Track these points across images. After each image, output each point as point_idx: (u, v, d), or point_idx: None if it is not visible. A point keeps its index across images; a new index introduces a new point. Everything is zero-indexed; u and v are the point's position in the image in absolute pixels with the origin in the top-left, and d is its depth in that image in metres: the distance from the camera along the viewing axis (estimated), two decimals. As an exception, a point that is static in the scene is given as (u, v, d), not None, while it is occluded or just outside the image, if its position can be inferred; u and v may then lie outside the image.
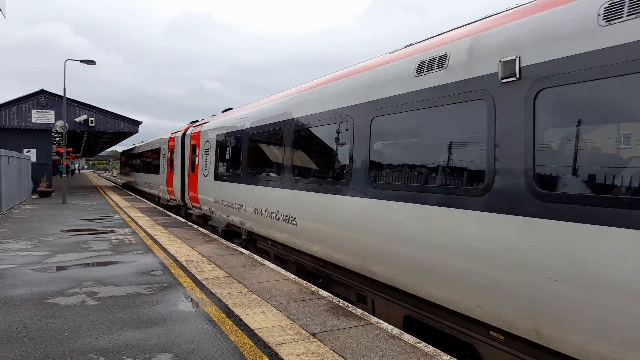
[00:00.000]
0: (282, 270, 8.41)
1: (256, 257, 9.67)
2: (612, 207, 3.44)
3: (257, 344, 4.93)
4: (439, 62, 5.21)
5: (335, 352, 4.68)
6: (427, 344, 4.93)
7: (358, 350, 4.74)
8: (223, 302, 6.40)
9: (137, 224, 14.88)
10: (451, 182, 4.96)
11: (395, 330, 5.32)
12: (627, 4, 3.43)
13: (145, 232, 13.18)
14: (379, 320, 5.70)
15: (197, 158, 15.75)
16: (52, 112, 28.57)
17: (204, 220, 15.98)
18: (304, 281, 7.66)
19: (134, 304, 6.33)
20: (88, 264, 8.90)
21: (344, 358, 4.55)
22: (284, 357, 4.56)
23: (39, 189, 26.83)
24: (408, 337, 5.10)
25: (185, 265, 8.73)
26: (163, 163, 22.12)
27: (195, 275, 7.99)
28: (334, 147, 7.42)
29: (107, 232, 13.09)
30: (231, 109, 14.51)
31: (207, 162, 14.38)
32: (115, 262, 9.05)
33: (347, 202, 6.65)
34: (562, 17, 3.95)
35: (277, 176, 9.17)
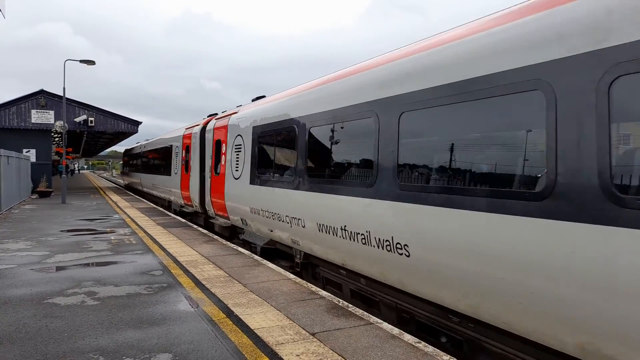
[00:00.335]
0: (281, 270, 8.41)
1: (256, 257, 9.67)
2: None
3: (257, 343, 4.93)
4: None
5: (335, 352, 4.68)
6: (427, 344, 4.93)
7: (358, 350, 4.74)
8: (223, 302, 6.40)
9: (137, 224, 14.87)
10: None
11: (395, 330, 5.32)
12: None
13: (145, 232, 13.17)
14: (379, 320, 5.70)
15: (223, 157, 13.02)
16: (52, 112, 28.56)
17: (231, 233, 13.18)
18: (304, 281, 7.66)
19: (133, 304, 6.33)
20: (88, 264, 8.90)
21: (343, 358, 4.55)
22: (283, 357, 4.56)
23: (38, 189, 26.82)
24: (408, 337, 5.10)
25: (184, 265, 8.73)
26: (176, 163, 19.39)
27: (195, 275, 7.99)
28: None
29: (106, 232, 13.08)
30: (264, 96, 12.08)
31: (238, 161, 11.65)
32: (115, 262, 9.04)
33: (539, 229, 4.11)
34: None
35: (367, 182, 6.31)
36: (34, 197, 26.44)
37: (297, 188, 8.36)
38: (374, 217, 6.13)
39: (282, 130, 9.36)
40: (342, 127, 7.24)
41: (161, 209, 20.79)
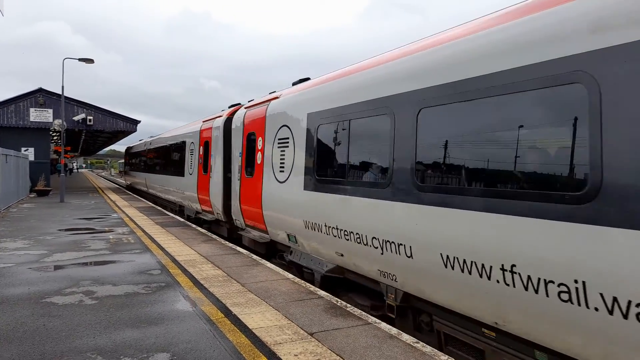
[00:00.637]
0: (280, 270, 8.40)
1: (254, 256, 9.67)
2: None
3: (255, 343, 4.93)
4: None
5: (334, 352, 4.68)
6: (425, 344, 4.93)
7: (356, 350, 4.73)
8: (221, 302, 6.40)
9: (135, 223, 14.85)
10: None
11: (394, 330, 5.32)
12: None
13: (144, 231, 13.15)
14: (377, 320, 5.70)
15: (258, 154, 10.29)
16: (50, 110, 28.52)
17: (268, 250, 10.25)
18: (302, 281, 7.66)
19: (131, 304, 6.32)
20: (86, 263, 8.89)
21: (342, 358, 4.55)
22: (281, 357, 4.56)
23: (36, 188, 26.78)
24: (406, 337, 5.10)
25: (183, 265, 8.72)
26: (191, 161, 16.69)
27: (194, 274, 7.98)
28: None
29: (105, 231, 13.07)
30: (307, 79, 9.74)
31: (284, 159, 8.97)
32: (113, 262, 9.03)
33: None
34: None
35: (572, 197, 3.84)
36: (32, 195, 26.40)
37: (397, 198, 5.75)
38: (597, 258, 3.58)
39: (366, 116, 6.55)
40: (485, 111, 4.71)
41: (159, 208, 20.71)
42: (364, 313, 6.00)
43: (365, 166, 6.77)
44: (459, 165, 5.07)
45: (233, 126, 12.49)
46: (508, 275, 4.25)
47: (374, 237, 6.16)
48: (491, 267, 4.42)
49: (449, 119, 5.17)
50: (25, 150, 27.85)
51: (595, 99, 3.58)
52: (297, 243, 8.62)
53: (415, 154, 5.52)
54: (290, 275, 7.98)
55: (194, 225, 14.68)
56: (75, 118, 29.30)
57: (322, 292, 6.94)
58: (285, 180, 8.87)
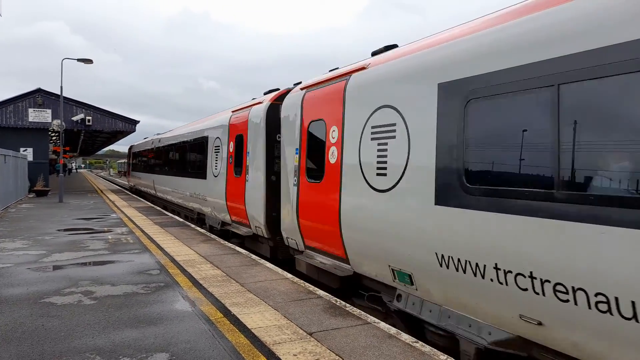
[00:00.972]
0: (279, 270, 8.40)
1: (253, 256, 9.66)
2: None
3: (254, 343, 4.93)
4: None
5: (333, 352, 4.67)
6: (424, 344, 4.93)
7: (355, 350, 4.73)
8: (220, 302, 6.39)
9: (134, 223, 14.84)
10: None
11: (393, 330, 5.32)
12: None
13: (142, 231, 13.15)
14: (376, 320, 5.70)
15: (332, 150, 7.48)
16: (49, 110, 28.49)
17: (343, 284, 7.35)
18: (301, 280, 7.65)
19: (130, 304, 6.32)
20: (85, 263, 8.88)
21: (341, 358, 4.55)
22: (281, 357, 4.56)
23: (35, 188, 26.75)
24: (405, 337, 5.10)
25: (182, 265, 8.71)
26: (216, 161, 13.69)
27: (193, 274, 7.97)
28: None
29: (103, 231, 13.05)
30: (395, 45, 7.19)
31: (386, 156, 6.14)
32: (112, 262, 9.02)
33: None
34: None
35: None
36: (31, 196, 26.38)
37: None
38: None
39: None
40: None
41: (159, 208, 20.67)
42: (363, 313, 6.00)
43: (608, 164, 3.73)
44: None
45: (283, 114, 9.37)
46: None
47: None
48: None
49: None
50: (24, 151, 27.82)
51: None
52: (413, 285, 5.76)
53: None
54: (289, 275, 7.97)
55: (192, 225, 14.66)
56: (74, 118, 29.28)
57: (321, 292, 6.94)
58: (391, 189, 5.95)
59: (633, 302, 3.39)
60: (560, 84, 3.93)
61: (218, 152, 13.62)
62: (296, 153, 8.69)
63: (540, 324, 4.16)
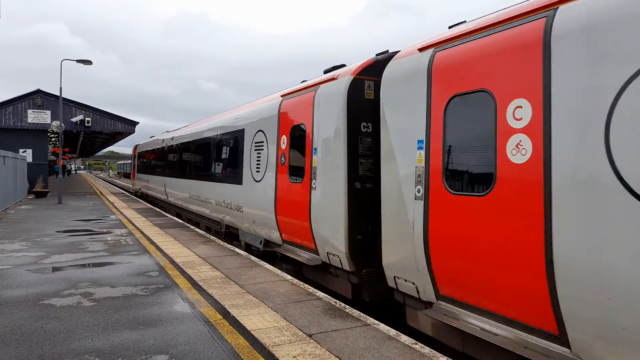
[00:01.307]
0: (278, 271, 8.39)
1: (253, 257, 9.66)
2: None
3: (254, 345, 4.92)
4: None
5: (332, 354, 4.67)
6: (423, 345, 4.93)
7: (355, 352, 4.73)
8: (219, 303, 6.39)
9: (134, 225, 14.83)
10: None
11: (392, 331, 5.32)
12: None
13: (142, 232, 13.14)
14: (376, 322, 5.70)
15: (510, 142, 4.41)
16: (48, 112, 28.48)
17: None
18: (301, 282, 7.65)
19: (130, 305, 6.31)
20: (84, 265, 8.87)
21: (340, 359, 4.54)
22: (280, 359, 4.56)
23: (34, 190, 26.73)
24: (405, 338, 5.10)
25: (181, 266, 8.71)
26: (258, 161, 10.63)
27: (192, 276, 7.97)
28: None
29: (103, 233, 13.04)
30: None
31: None
32: (112, 263, 9.01)
33: None
34: None
35: None
36: (30, 197, 26.35)
37: None
38: None
39: None
40: None
41: (158, 209, 20.63)
42: (362, 314, 6.00)
43: None
44: None
45: (386, 91, 6.28)
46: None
47: None
48: None
49: None
50: (23, 152, 27.81)
51: None
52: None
53: None
54: (289, 277, 7.97)
55: (192, 227, 14.65)
56: (74, 119, 29.27)
57: (321, 294, 6.94)
58: None
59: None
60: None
61: (261, 150, 10.56)
62: (419, 148, 5.68)
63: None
